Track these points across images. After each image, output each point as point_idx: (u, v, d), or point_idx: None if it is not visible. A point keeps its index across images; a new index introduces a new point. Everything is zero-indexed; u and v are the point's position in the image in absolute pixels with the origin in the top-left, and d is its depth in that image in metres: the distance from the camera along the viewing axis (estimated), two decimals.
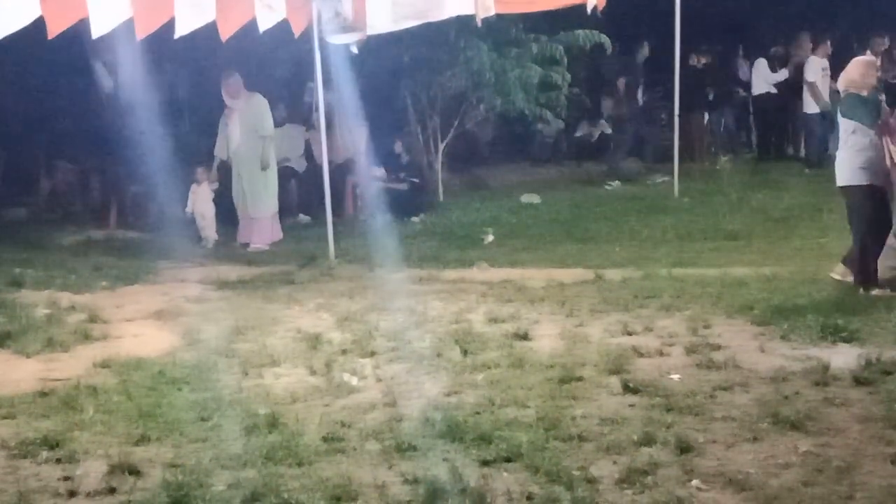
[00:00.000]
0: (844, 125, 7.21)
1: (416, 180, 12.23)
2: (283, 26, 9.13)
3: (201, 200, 10.72)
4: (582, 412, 4.92)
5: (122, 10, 7.94)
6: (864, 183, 7.10)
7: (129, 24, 8.04)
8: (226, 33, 8.56)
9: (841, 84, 7.37)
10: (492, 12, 10.12)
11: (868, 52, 12.87)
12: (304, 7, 9.30)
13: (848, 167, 7.18)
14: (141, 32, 8.14)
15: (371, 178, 11.81)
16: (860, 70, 7.28)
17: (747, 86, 15.74)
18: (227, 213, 10.69)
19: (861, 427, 4.64)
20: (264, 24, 8.88)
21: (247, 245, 10.31)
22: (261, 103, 10.42)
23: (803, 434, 4.57)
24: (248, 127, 10.38)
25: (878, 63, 7.64)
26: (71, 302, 7.63)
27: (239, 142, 10.46)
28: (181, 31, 8.27)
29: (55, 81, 12.69)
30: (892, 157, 7.01)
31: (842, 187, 7.29)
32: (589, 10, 10.54)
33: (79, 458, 4.53)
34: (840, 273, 7.29)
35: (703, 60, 15.22)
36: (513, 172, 15.00)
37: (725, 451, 4.42)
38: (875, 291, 7.01)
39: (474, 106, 12.92)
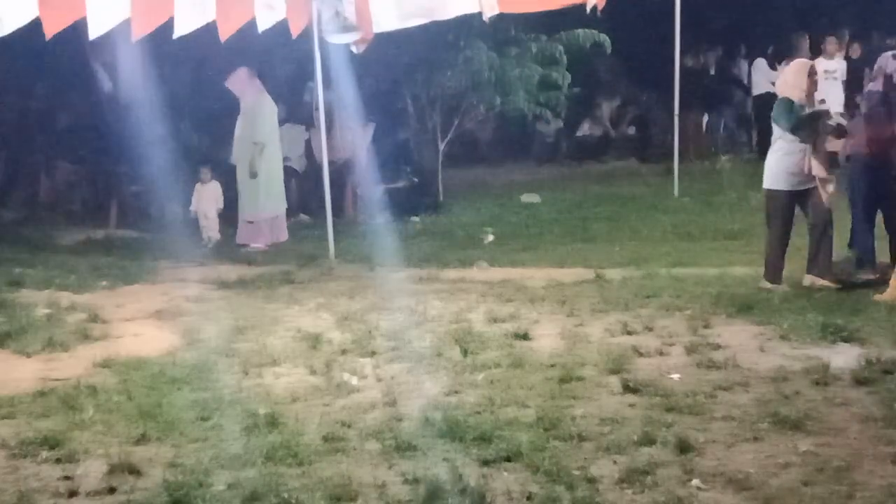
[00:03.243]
0: (774, 128, 7.31)
1: (415, 179, 12.24)
2: (284, 26, 9.14)
3: (205, 200, 10.73)
4: (582, 412, 4.92)
5: (119, 10, 7.94)
6: (785, 189, 7.21)
7: (128, 25, 8.05)
8: (225, 33, 8.56)
9: (777, 87, 7.44)
10: (496, 11, 10.11)
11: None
12: (304, 7, 9.29)
13: (772, 170, 7.28)
14: (137, 33, 8.14)
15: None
16: (791, 74, 7.37)
17: (745, 87, 15.75)
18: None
19: (861, 427, 4.65)
20: (264, 24, 8.88)
21: (244, 245, 10.29)
22: (260, 106, 10.32)
23: (803, 434, 4.57)
24: (245, 129, 10.36)
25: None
26: (71, 302, 7.63)
27: (237, 142, 10.46)
28: (181, 31, 8.27)
29: (55, 81, 12.69)
30: (812, 168, 7.10)
31: (765, 189, 7.39)
32: (588, 9, 10.54)
33: (79, 458, 4.52)
34: (809, 281, 7.26)
35: (702, 61, 15.26)
36: (513, 172, 15.01)
37: (725, 450, 4.42)
38: (772, 286, 7.21)
39: (474, 106, 12.91)
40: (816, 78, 7.42)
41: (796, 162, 7.15)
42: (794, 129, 7.10)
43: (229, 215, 10.80)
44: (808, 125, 7.14)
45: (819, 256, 7.24)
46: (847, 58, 13.63)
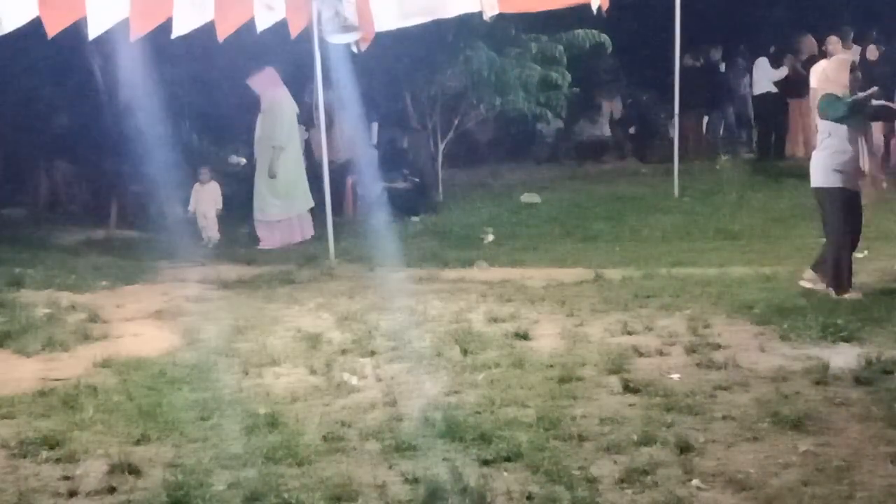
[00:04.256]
0: (821, 126, 7.18)
1: (416, 180, 12.25)
2: (284, 25, 9.13)
3: (203, 200, 10.73)
4: (582, 412, 4.92)
5: (119, 10, 7.94)
6: (838, 186, 7.05)
7: (128, 24, 8.05)
8: (223, 33, 8.56)
9: (818, 85, 7.33)
10: (496, 11, 10.08)
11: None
12: (304, 7, 9.28)
13: (822, 169, 7.13)
14: (136, 32, 8.14)
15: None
16: (832, 69, 7.23)
17: (732, 95, 15.74)
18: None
19: (861, 427, 4.64)
20: (262, 24, 8.87)
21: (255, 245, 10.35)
22: (280, 107, 10.27)
23: (803, 434, 4.56)
24: (265, 129, 10.35)
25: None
26: (71, 302, 7.63)
27: (258, 142, 10.47)
28: (179, 30, 8.27)
29: (55, 81, 12.69)
30: (865, 161, 6.98)
31: (815, 189, 7.24)
32: (594, 9, 10.51)
33: (79, 458, 4.52)
34: (809, 279, 7.19)
35: (702, 60, 15.27)
36: (513, 172, 15.01)
37: (725, 450, 4.42)
38: (849, 295, 6.95)
39: (474, 106, 12.92)
40: (858, 74, 7.31)
41: (848, 160, 7.00)
42: (848, 117, 6.93)
43: (229, 215, 10.82)
44: (860, 111, 6.99)
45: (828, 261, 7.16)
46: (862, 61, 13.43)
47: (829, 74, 7.21)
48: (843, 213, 7.06)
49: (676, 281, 7.70)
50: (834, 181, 7.06)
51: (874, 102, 7.16)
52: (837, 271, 7.04)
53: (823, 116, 7.09)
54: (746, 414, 4.82)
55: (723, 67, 16.13)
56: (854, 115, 6.96)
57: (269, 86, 10.31)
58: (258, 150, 10.51)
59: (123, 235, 11.11)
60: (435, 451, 4.47)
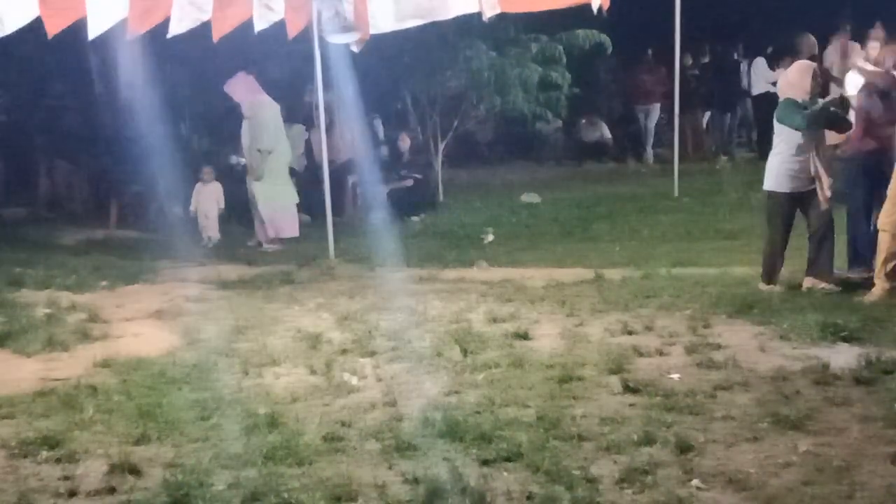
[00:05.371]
0: (776, 128, 7.24)
1: (418, 176, 12.26)
2: (284, 25, 9.13)
3: (205, 200, 10.73)
4: (582, 412, 4.92)
5: (119, 10, 7.95)
6: (786, 191, 7.18)
7: (127, 24, 8.07)
8: (219, 33, 8.56)
9: (779, 88, 7.39)
10: (497, 10, 10.06)
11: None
12: (304, 7, 9.28)
13: (774, 172, 7.24)
14: (133, 31, 8.14)
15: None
16: (795, 74, 7.28)
17: (743, 90, 15.74)
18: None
19: (861, 427, 4.64)
20: (260, 24, 8.86)
21: (259, 245, 10.35)
22: (261, 111, 10.25)
23: (803, 434, 4.56)
24: (250, 135, 10.32)
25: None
26: (71, 302, 7.63)
27: (246, 150, 10.46)
28: (175, 29, 8.28)
29: (55, 82, 12.69)
30: (816, 170, 7.04)
31: (766, 190, 7.36)
32: (595, 9, 10.51)
33: (79, 458, 4.52)
34: (810, 283, 7.23)
35: (702, 61, 15.27)
36: (513, 172, 15.02)
37: (725, 450, 4.42)
38: (770, 287, 7.20)
39: (474, 106, 12.94)
40: (820, 80, 7.33)
41: (799, 165, 7.11)
42: (807, 126, 6.98)
43: (230, 215, 10.81)
44: (820, 119, 7.05)
45: (819, 260, 7.21)
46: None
47: (791, 79, 7.29)
48: (784, 216, 7.24)
49: (676, 281, 7.70)
50: (782, 185, 7.20)
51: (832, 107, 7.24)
52: (770, 265, 7.29)
53: (780, 121, 7.13)
54: (746, 414, 4.82)
55: (714, 70, 16.09)
56: (816, 122, 7.01)
57: (246, 92, 10.26)
58: (248, 157, 10.48)
59: (123, 235, 11.11)
60: (435, 451, 4.46)
